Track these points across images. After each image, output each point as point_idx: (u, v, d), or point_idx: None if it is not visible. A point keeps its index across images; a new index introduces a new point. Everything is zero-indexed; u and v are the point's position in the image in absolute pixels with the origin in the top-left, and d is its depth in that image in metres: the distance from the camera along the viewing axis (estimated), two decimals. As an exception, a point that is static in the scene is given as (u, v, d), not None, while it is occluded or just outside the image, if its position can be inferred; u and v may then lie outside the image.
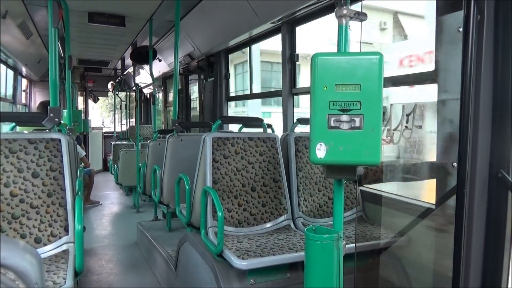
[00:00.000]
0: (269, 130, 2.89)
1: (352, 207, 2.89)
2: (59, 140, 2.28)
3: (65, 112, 4.94)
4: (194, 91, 7.21)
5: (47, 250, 2.11)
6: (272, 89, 7.29)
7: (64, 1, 4.08)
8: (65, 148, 2.28)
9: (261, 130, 2.90)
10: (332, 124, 1.23)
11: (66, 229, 2.18)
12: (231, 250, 2.18)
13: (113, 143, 7.98)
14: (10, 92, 7.17)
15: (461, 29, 1.50)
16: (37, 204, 2.16)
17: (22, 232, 2.11)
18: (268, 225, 2.65)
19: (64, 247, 2.14)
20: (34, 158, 2.20)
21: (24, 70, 7.47)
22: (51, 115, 2.34)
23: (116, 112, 10.47)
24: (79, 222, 2.02)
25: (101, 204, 6.51)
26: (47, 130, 2.36)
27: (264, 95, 5.44)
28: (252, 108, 7.77)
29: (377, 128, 1.22)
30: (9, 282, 0.40)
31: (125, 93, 10.51)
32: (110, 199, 6.99)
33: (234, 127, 4.36)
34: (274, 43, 4.14)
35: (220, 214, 2.18)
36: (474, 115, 1.46)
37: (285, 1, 3.22)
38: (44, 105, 4.45)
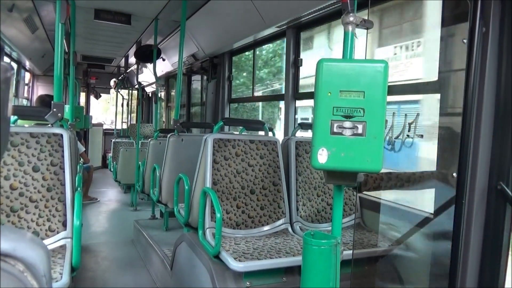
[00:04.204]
0: (270, 134, 2.90)
1: (350, 213, 2.89)
2: (61, 135, 2.28)
3: (66, 108, 4.95)
4: (197, 91, 7.22)
5: None
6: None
7: None
8: (67, 144, 2.28)
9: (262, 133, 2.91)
10: (335, 130, 1.24)
11: (64, 224, 2.18)
12: (228, 252, 2.18)
13: (113, 140, 7.98)
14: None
15: (465, 41, 1.51)
16: (36, 198, 2.16)
17: (20, 226, 2.11)
18: (266, 228, 2.65)
19: (61, 242, 2.14)
20: (35, 152, 2.21)
21: (27, 64, 7.49)
22: (54, 109, 2.34)
23: (117, 110, 10.48)
24: (78, 217, 2.02)
25: (99, 200, 6.51)
26: (49, 125, 2.37)
27: (267, 98, 5.46)
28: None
29: (380, 136, 1.23)
30: (17, 274, 0.40)
31: (127, 90, 10.52)
32: (108, 196, 6.99)
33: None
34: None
35: (218, 215, 2.19)
36: (476, 126, 1.47)
37: (292, 6, 3.24)
38: (42, 99, 4.42)
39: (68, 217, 2.19)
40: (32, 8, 4.71)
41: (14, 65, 6.99)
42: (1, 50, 5.57)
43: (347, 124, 1.23)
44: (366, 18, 1.41)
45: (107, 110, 14.81)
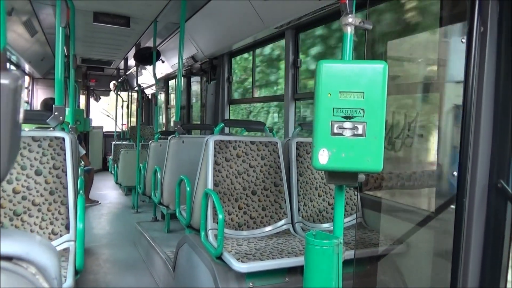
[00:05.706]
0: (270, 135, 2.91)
1: (351, 213, 2.90)
2: (63, 139, 2.29)
3: (67, 111, 4.96)
4: (196, 93, 7.22)
5: None
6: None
7: (70, 1, 4.11)
8: (69, 147, 2.29)
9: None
10: (335, 131, 1.25)
11: (67, 228, 2.19)
12: (230, 253, 2.18)
13: (113, 142, 7.99)
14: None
15: (464, 40, 1.51)
16: (39, 201, 2.17)
17: (23, 229, 2.12)
18: (268, 229, 2.66)
19: (64, 245, 2.14)
20: (37, 156, 2.22)
21: (27, 67, 7.50)
22: (56, 113, 2.35)
23: (117, 112, 10.47)
24: (81, 220, 2.03)
25: (100, 203, 6.51)
26: (50, 128, 2.37)
27: (267, 99, 5.47)
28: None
29: (380, 136, 1.24)
30: (30, 276, 0.41)
31: (127, 93, 10.53)
32: (109, 198, 6.99)
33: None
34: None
35: (220, 216, 2.19)
36: (475, 125, 1.48)
37: (290, 7, 3.25)
38: (46, 102, 4.46)
39: (71, 220, 2.19)
40: (31, 12, 4.72)
41: (14, 69, 7.00)
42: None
43: (347, 124, 1.24)
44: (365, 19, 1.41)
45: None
